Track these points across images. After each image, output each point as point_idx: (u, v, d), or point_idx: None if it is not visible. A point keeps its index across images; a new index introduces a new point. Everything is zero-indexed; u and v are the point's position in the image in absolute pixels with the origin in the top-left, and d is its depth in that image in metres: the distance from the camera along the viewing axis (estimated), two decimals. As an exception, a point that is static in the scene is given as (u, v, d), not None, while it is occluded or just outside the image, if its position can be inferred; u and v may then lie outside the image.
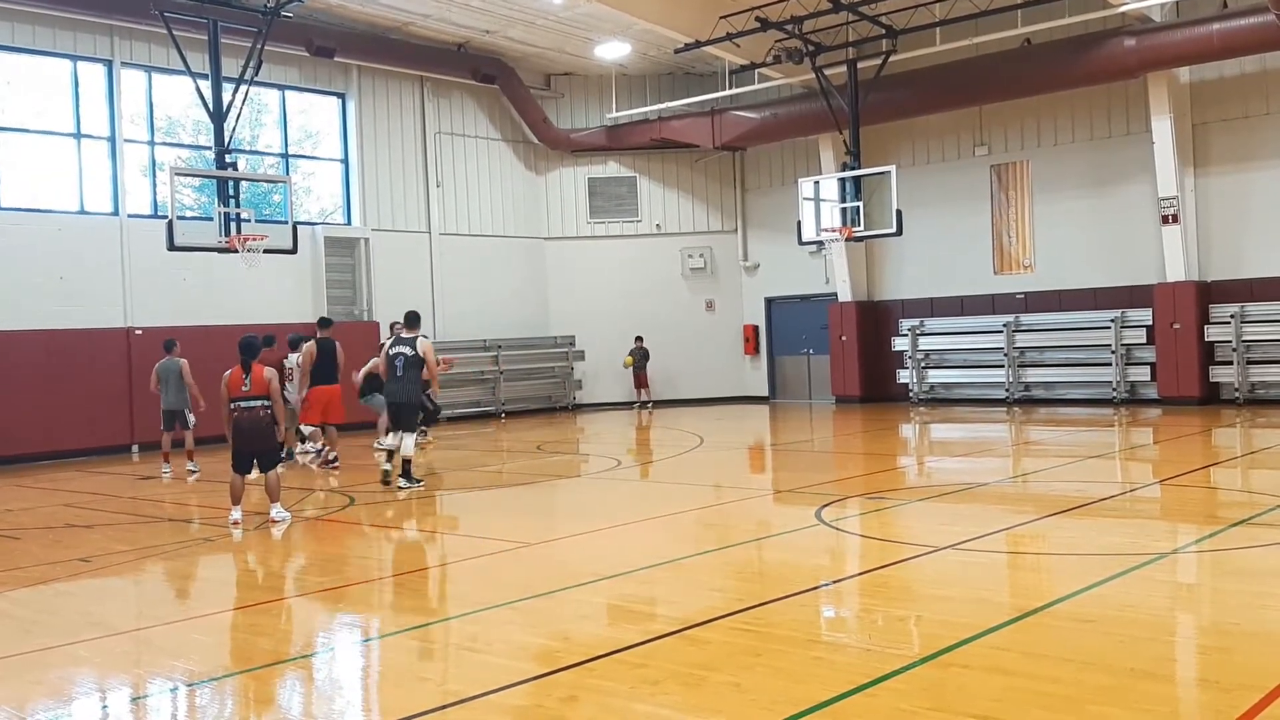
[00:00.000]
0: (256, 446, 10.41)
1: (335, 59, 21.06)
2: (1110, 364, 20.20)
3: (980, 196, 22.22)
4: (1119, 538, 8.47)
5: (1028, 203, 21.80)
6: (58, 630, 6.71)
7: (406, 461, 12.29)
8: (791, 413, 22.68)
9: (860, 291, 23.57)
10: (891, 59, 19.79)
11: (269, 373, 10.36)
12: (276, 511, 10.44)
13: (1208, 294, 19.29)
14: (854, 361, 23.38)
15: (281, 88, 20.99)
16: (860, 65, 20.12)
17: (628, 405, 24.52)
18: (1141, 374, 20.04)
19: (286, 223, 16.95)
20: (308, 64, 21.04)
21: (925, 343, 22.65)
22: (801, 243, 20.76)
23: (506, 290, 24.34)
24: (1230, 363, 18.99)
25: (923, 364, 22.72)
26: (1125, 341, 20.05)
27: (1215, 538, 8.21)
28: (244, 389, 10.25)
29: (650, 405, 24.17)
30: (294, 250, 17.00)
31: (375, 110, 22.41)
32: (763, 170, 25.44)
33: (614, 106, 24.46)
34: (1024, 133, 21.59)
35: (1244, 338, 18.77)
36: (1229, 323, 18.86)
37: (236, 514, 10.33)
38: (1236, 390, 18.96)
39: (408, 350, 12.37)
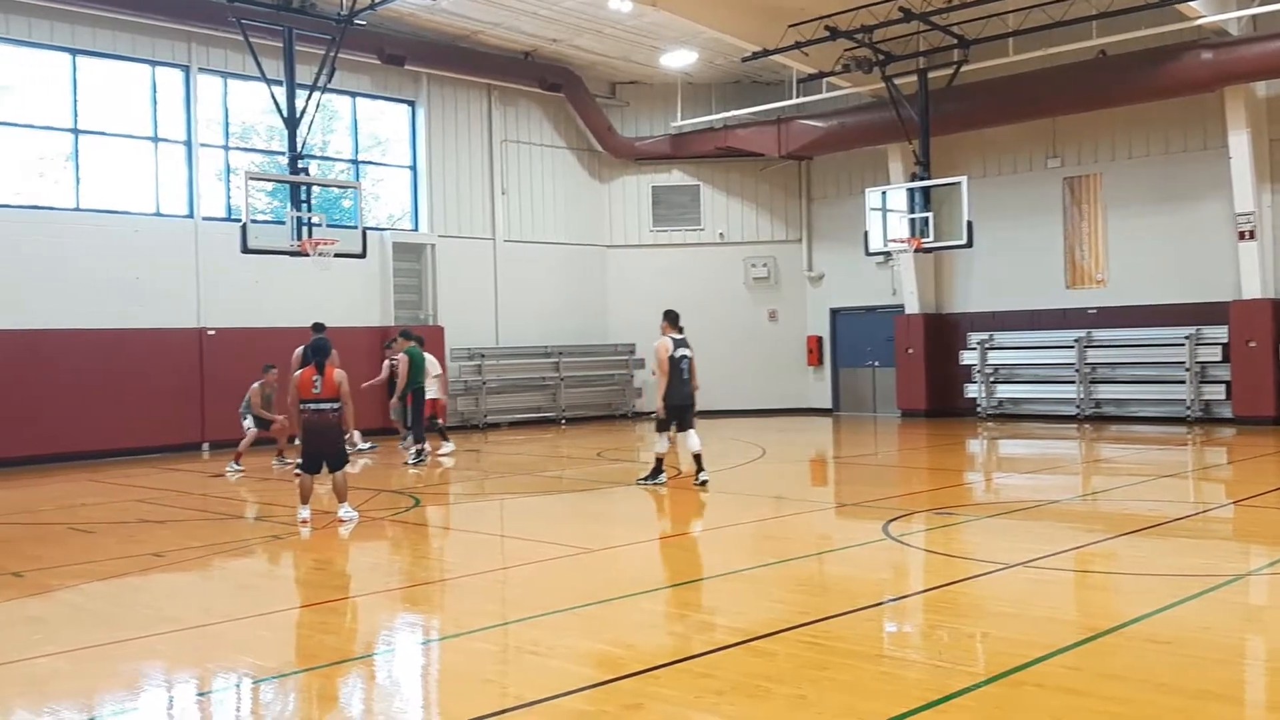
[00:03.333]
0: (325, 448, 10.49)
1: (405, 67, 21.32)
2: (1184, 382, 19.73)
3: (1052, 209, 21.85)
4: (1192, 559, 8.26)
5: (1100, 216, 21.39)
6: (130, 624, 6.83)
7: (698, 457, 12.56)
8: (855, 425, 22.47)
9: (928, 303, 23.29)
10: (963, 69, 19.57)
11: (340, 375, 10.45)
12: (344, 511, 10.52)
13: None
14: (920, 374, 23.09)
15: (353, 95, 21.29)
16: (931, 75, 19.92)
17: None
18: (1216, 393, 19.54)
19: (356, 228, 17.16)
20: (378, 71, 21.31)
21: (994, 356, 22.30)
22: (869, 253, 20.57)
23: (568, 297, 24.44)
24: (1310, 382, 18.48)
25: (991, 378, 22.38)
26: (1200, 359, 19.58)
27: (1296, 562, 7.96)
28: (314, 390, 10.35)
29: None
30: (363, 255, 17.20)
31: (444, 118, 22.64)
32: (829, 180, 25.27)
33: (679, 115, 24.46)
34: (1097, 145, 21.20)
35: (1324, 357, 18.25)
36: (1305, 342, 18.36)
37: (305, 513, 10.41)
38: (1313, 408, 18.45)
39: (689, 352, 12.72)
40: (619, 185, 25.45)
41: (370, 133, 22.24)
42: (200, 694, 5.52)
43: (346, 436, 10.81)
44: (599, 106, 24.54)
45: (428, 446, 16.27)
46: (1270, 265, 18.84)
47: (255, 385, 15.69)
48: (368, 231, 17.74)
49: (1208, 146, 19.50)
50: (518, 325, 23.37)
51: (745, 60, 20.86)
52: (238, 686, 5.59)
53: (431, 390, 16.75)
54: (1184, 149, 20.04)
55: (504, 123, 23.66)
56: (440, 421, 17.63)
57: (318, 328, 14.62)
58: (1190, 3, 17.07)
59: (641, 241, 25.42)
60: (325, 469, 10.57)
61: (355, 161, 21.67)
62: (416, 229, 22.30)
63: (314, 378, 10.37)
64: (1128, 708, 4.78)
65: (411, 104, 22.34)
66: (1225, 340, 19.25)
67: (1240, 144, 18.57)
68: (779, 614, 6.59)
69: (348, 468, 10.83)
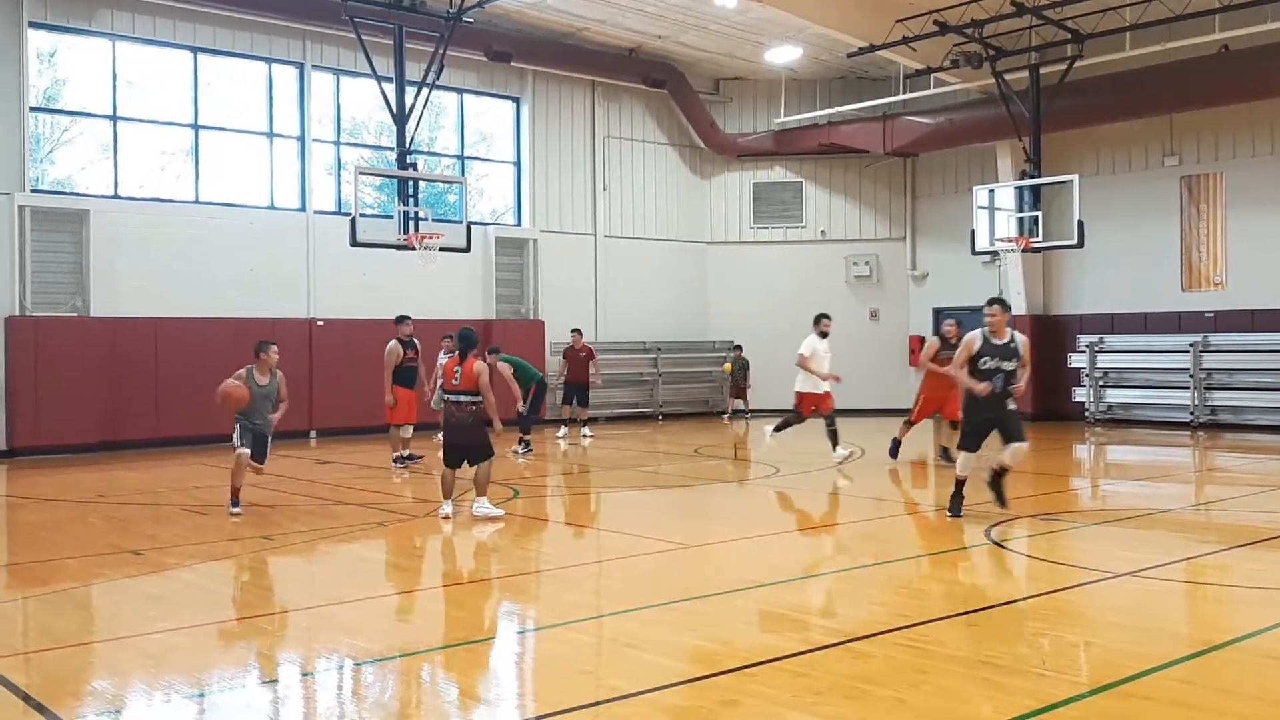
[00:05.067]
0: (462, 441, 10.19)
1: (511, 64, 21.57)
2: (1312, 389, 18.93)
3: (1168, 209, 21.14)
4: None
5: (1220, 216, 20.62)
6: (242, 604, 7.06)
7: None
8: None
9: (1036, 304, 22.74)
10: (1077, 64, 19.04)
11: (480, 367, 10.10)
12: (479, 507, 10.16)
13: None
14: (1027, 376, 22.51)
15: (459, 91, 21.62)
16: (1043, 70, 19.43)
17: (790, 412, 24.23)
18: (1338, 400, 18.72)
19: (461, 222, 17.44)
20: (484, 68, 21.61)
21: (1104, 360, 21.66)
22: (975, 252, 20.18)
23: (667, 293, 24.46)
24: None
25: (1101, 382, 21.75)
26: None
27: None
28: (454, 381, 10.15)
29: (748, 416, 23.68)
30: (467, 249, 17.47)
31: (547, 114, 22.86)
32: (934, 177, 24.83)
33: (782, 111, 24.30)
34: (1218, 143, 20.44)
35: None
36: None
37: (447, 508, 10.16)
38: None
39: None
40: (720, 182, 25.39)
41: (475, 129, 22.57)
42: (305, 674, 5.68)
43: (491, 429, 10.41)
44: (702, 103, 24.51)
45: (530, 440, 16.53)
46: (1404, 269, 17.97)
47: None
48: (472, 226, 18.02)
49: (1337, 144, 18.66)
50: (617, 320, 23.48)
51: (851, 56, 20.62)
52: (340, 668, 5.73)
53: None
54: (1310, 147, 19.20)
55: (607, 119, 23.78)
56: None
57: (401, 320, 14.64)
58: (1321, -6, 16.37)
59: (742, 239, 25.32)
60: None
61: (461, 157, 22.01)
62: (519, 224, 22.56)
63: (455, 368, 10.17)
64: (1242, 725, 4.63)
65: (516, 100, 22.60)
66: (1352, 348, 18.42)
67: (1371, 142, 17.73)
68: (877, 616, 6.51)
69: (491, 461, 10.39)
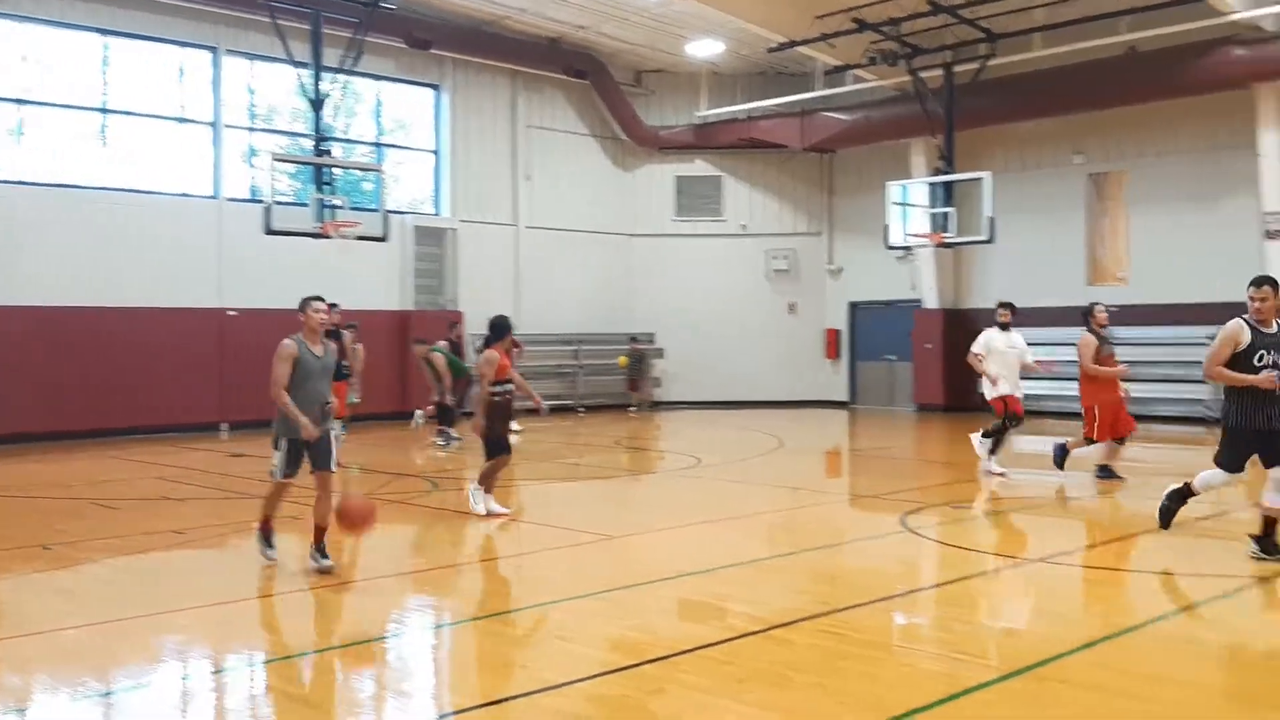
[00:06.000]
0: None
1: (431, 51, 21.35)
2: (1205, 382, 19.61)
3: (1075, 206, 21.74)
4: (1218, 558, 8.23)
5: (1124, 213, 21.27)
6: (155, 599, 6.90)
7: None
8: (872, 419, 22.45)
9: (947, 299, 23.22)
10: (989, 63, 19.46)
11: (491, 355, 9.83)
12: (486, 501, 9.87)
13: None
14: (938, 369, 23.03)
15: (377, 78, 21.32)
16: (956, 69, 19.82)
17: (708, 405, 24.46)
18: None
19: (378, 211, 17.25)
20: (404, 55, 21.34)
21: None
22: (889, 247, 20.52)
23: (590, 285, 24.44)
24: (1333, 385, 18.33)
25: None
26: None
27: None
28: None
29: (641, 408, 23.69)
30: (384, 238, 17.29)
31: (468, 103, 22.67)
32: (851, 173, 25.19)
33: (703, 105, 24.43)
34: (1124, 142, 21.07)
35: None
36: (1333, 344, 18.20)
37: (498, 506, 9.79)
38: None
39: None
40: (643, 174, 25.44)
41: (394, 116, 22.29)
42: (217, 670, 5.58)
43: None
44: (624, 94, 24.52)
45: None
46: (1296, 266, 18.71)
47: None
48: (389, 215, 17.83)
49: (1236, 144, 19.31)
50: (539, 312, 23.38)
51: (771, 51, 20.81)
52: (255, 664, 5.65)
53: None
54: (1212, 147, 19.87)
55: (528, 109, 23.67)
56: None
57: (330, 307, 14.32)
58: (1222, -1, 16.95)
59: (664, 231, 25.41)
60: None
61: (378, 145, 21.73)
62: (438, 213, 22.35)
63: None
64: (1154, 705, 4.80)
65: (436, 88, 22.37)
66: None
67: (1271, 142, 18.40)
68: (799, 604, 6.61)
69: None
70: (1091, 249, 21.72)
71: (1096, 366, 11.84)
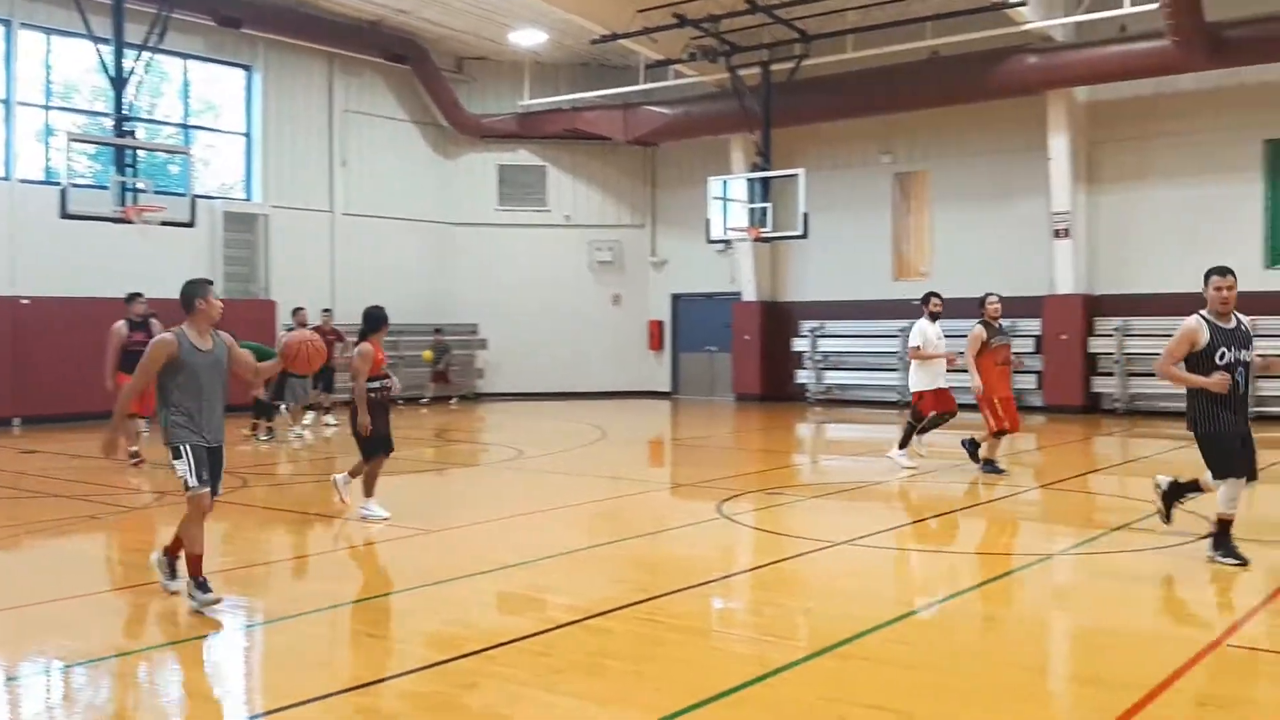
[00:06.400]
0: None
1: (242, 30, 20.53)
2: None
3: (883, 203, 22.70)
4: (1006, 538, 8.77)
5: (927, 211, 22.33)
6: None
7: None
8: (692, 409, 22.88)
9: (765, 292, 23.88)
10: (804, 63, 20.08)
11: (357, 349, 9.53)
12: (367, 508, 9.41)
13: (1094, 307, 20.01)
14: (755, 360, 23.69)
15: (185, 56, 20.38)
16: (773, 68, 20.36)
17: (532, 396, 24.41)
18: (1029, 382, 20.66)
19: (185, 195, 16.52)
20: (213, 34, 20.45)
21: (824, 344, 23.06)
22: (709, 241, 20.95)
23: (410, 275, 23.98)
24: (1112, 374, 19.75)
25: (821, 365, 23.13)
26: (1015, 350, 20.56)
27: (1095, 541, 8.52)
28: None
29: (454, 399, 23.73)
30: (191, 224, 16.59)
31: (281, 85, 21.91)
32: (674, 166, 25.57)
33: (526, 94, 24.34)
34: (927, 143, 22.10)
35: (1126, 350, 19.52)
36: (1113, 335, 19.61)
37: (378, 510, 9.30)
38: (1116, 400, 19.73)
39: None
40: (465, 162, 25.16)
41: (203, 97, 21.36)
42: (10, 678, 5.26)
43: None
44: (446, 81, 24.17)
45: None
46: (1082, 262, 20.03)
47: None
48: (197, 199, 17.10)
49: (1030, 147, 20.51)
50: (357, 302, 22.51)
51: (594, 43, 20.92)
52: (51, 670, 5.35)
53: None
54: (1008, 149, 21.05)
55: (346, 93, 23.07)
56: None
57: (132, 298, 13.51)
58: (1019, 8, 17.93)
59: (487, 220, 25.21)
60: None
61: (185, 126, 20.79)
62: (250, 199, 21.55)
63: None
64: (951, 679, 5.05)
65: (248, 69, 21.54)
66: (1039, 333, 20.39)
67: (1060, 146, 19.65)
68: (616, 592, 6.69)
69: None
70: (898, 245, 22.71)
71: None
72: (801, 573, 7.48)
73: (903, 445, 12.54)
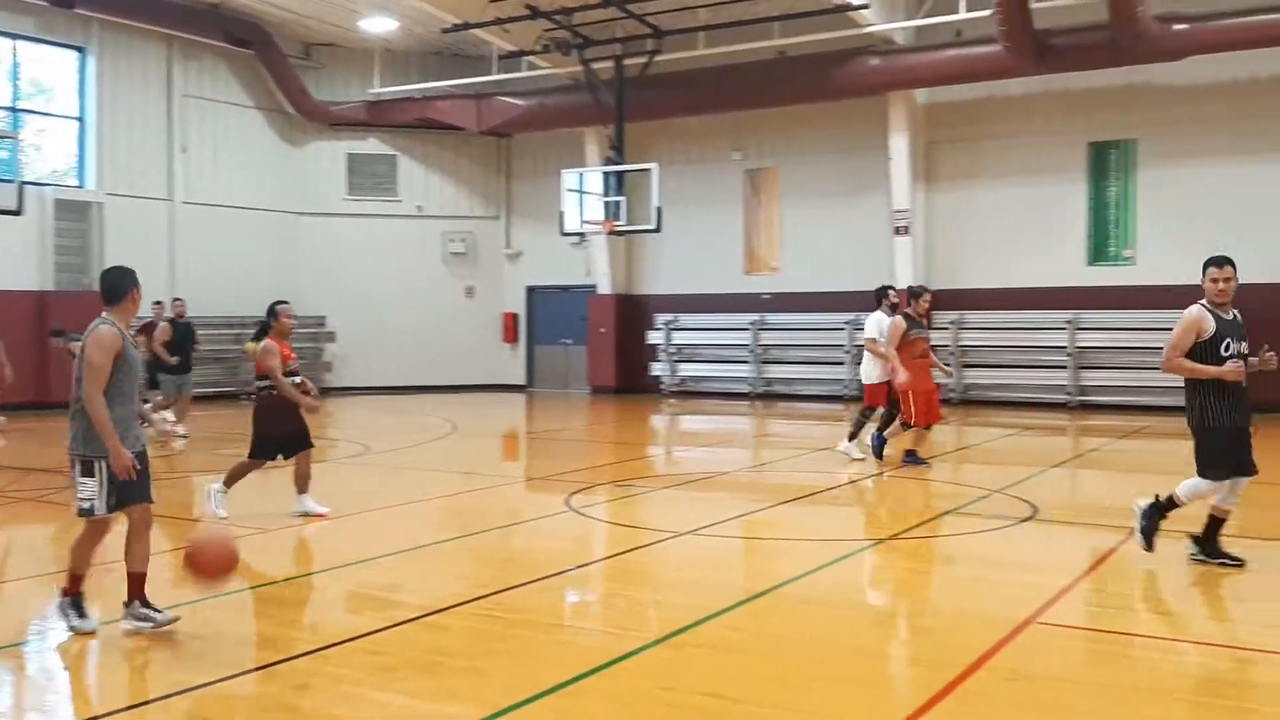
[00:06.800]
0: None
1: (75, 10, 19.58)
2: (843, 363, 21.49)
3: (734, 199, 23.11)
4: (843, 524, 9.08)
5: (777, 207, 22.84)
6: None
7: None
8: (547, 402, 22.90)
9: (619, 285, 24.04)
10: (657, 59, 20.28)
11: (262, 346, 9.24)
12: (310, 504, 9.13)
13: (932, 302, 20.74)
14: (610, 353, 23.85)
15: (14, 37, 19.35)
16: (627, 62, 20.50)
17: (383, 390, 24.02)
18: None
19: (12, 182, 15.75)
20: (44, 13, 19.45)
21: (678, 337, 23.37)
22: (564, 233, 20.97)
23: (255, 266, 23.28)
24: (948, 365, 20.52)
25: (675, 358, 23.44)
26: (857, 342, 21.26)
27: (927, 525, 8.91)
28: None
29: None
30: (19, 211, 15.81)
31: (117, 68, 20.99)
32: (528, 158, 25.49)
33: (377, 82, 23.90)
34: (776, 141, 22.59)
35: (961, 343, 20.38)
36: (949, 328, 20.43)
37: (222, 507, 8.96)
38: (953, 390, 20.55)
39: None
40: (312, 150, 24.56)
41: (33, 79, 20.29)
42: None
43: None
44: (292, 67, 23.54)
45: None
46: (921, 258, 20.80)
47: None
48: (25, 186, 16.30)
49: (872, 146, 21.18)
50: (198, 294, 21.94)
51: (445, 32, 20.67)
52: None
53: None
54: (852, 148, 21.69)
55: (186, 77, 22.25)
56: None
57: None
58: (861, 11, 18.48)
59: (336, 210, 24.67)
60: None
61: (14, 110, 19.72)
62: (83, 186, 20.59)
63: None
64: (783, 664, 5.21)
65: (81, 51, 20.55)
66: (881, 326, 21.07)
67: (900, 146, 20.34)
68: (459, 588, 6.68)
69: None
70: (749, 240, 23.16)
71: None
72: (645, 564, 7.59)
73: (852, 437, 12.63)
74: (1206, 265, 6.98)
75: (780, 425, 18.04)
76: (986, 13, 16.97)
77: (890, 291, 12.48)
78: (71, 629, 5.58)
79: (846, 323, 21.34)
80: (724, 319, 22.93)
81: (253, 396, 9.32)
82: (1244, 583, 6.93)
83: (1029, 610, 6.23)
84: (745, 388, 22.60)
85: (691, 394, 23.29)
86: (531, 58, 21.24)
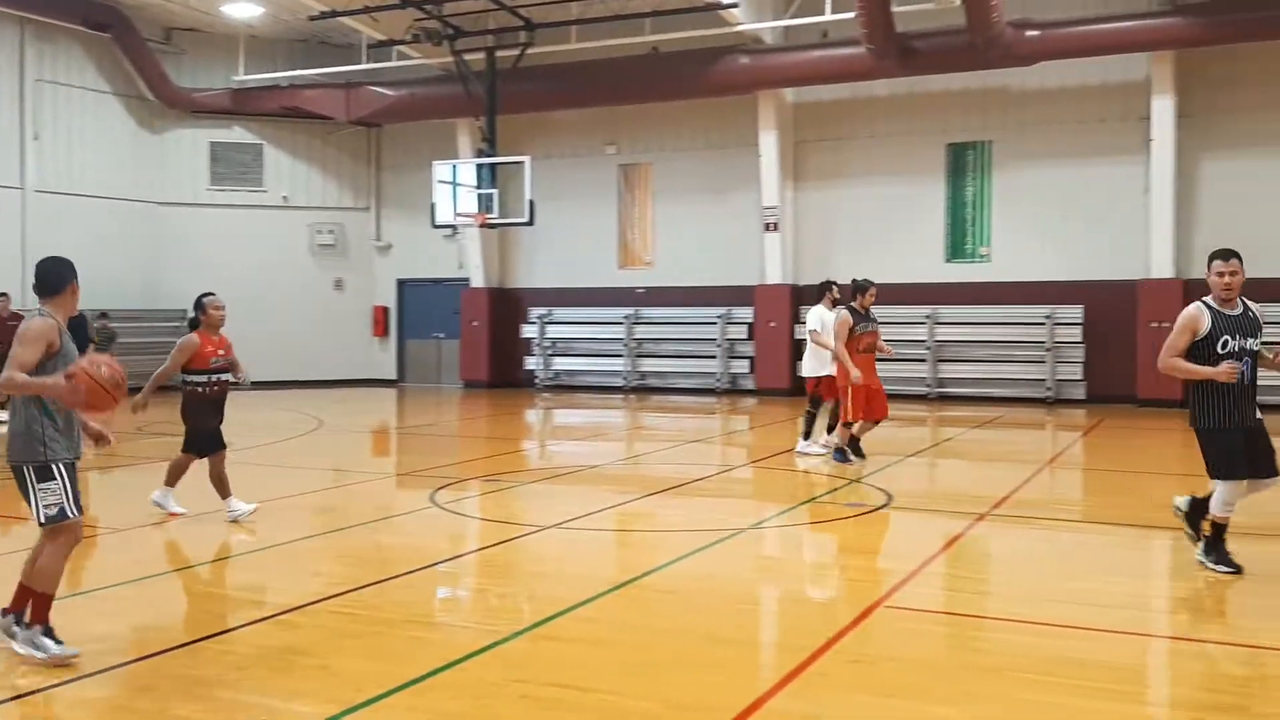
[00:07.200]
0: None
1: (-90, -16, 18.60)
2: (715, 356, 21.82)
3: (608, 194, 23.21)
4: (708, 515, 9.23)
5: (650, 202, 23.03)
6: None
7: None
8: (419, 396, 22.65)
9: (493, 278, 23.91)
10: (530, 52, 20.22)
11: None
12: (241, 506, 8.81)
13: (799, 296, 21.25)
14: (484, 347, 23.72)
15: None
16: (499, 54, 20.39)
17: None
18: (742, 366, 21.81)
19: None
20: (-126, -14, 18.42)
21: (552, 331, 23.37)
22: (435, 226, 20.78)
23: (113, 257, 22.39)
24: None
25: (549, 351, 23.43)
26: (729, 336, 21.71)
27: (790, 513, 9.14)
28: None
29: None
30: None
31: (-39, 48, 20.00)
32: (399, 149, 25.13)
33: (241, 69, 23.25)
34: (649, 136, 22.76)
35: (830, 337, 20.88)
36: (817, 323, 20.92)
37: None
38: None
39: None
40: (173, 138, 23.76)
41: None
42: None
43: None
44: (151, 52, 22.71)
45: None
46: (790, 254, 21.23)
47: None
48: None
49: (743, 144, 21.52)
50: (50, 285, 21.13)
51: (312, 19, 20.26)
52: None
53: None
54: (724, 145, 22.01)
55: (39, 61, 21.30)
56: None
57: None
58: (731, 10, 18.75)
59: (199, 200, 23.93)
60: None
61: None
62: (-77, 172, 19.56)
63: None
64: (637, 653, 5.30)
65: (-82, 29, 19.52)
66: (751, 320, 21.49)
67: (769, 144, 20.71)
68: (317, 586, 6.60)
69: None
70: (623, 234, 23.30)
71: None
72: (507, 558, 7.61)
73: (806, 435, 12.59)
74: (1211, 259, 6.71)
75: (654, 418, 18.22)
76: (851, 15, 17.40)
77: (834, 286, 12.60)
78: (53, 656, 5.03)
79: (719, 316, 21.66)
80: (598, 313, 23.02)
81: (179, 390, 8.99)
82: (1080, 563, 7.31)
83: (877, 594, 6.46)
84: (619, 381, 22.73)
85: (566, 388, 23.32)
86: (402, 47, 20.96)
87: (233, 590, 6.67)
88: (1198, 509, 6.96)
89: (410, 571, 7.00)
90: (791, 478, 11.75)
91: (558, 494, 10.39)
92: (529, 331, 23.42)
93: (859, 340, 11.39)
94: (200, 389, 8.85)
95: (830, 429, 12.45)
